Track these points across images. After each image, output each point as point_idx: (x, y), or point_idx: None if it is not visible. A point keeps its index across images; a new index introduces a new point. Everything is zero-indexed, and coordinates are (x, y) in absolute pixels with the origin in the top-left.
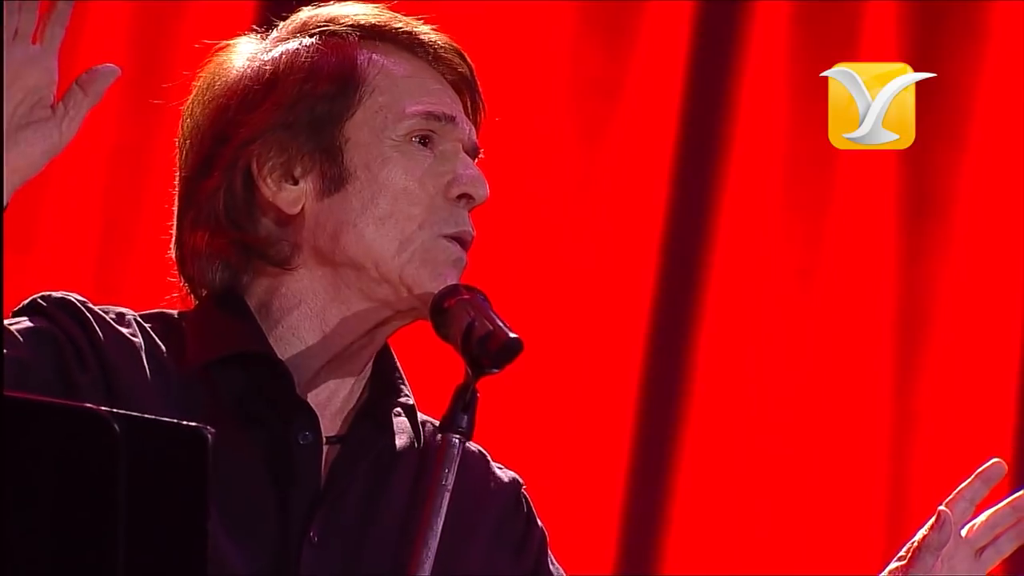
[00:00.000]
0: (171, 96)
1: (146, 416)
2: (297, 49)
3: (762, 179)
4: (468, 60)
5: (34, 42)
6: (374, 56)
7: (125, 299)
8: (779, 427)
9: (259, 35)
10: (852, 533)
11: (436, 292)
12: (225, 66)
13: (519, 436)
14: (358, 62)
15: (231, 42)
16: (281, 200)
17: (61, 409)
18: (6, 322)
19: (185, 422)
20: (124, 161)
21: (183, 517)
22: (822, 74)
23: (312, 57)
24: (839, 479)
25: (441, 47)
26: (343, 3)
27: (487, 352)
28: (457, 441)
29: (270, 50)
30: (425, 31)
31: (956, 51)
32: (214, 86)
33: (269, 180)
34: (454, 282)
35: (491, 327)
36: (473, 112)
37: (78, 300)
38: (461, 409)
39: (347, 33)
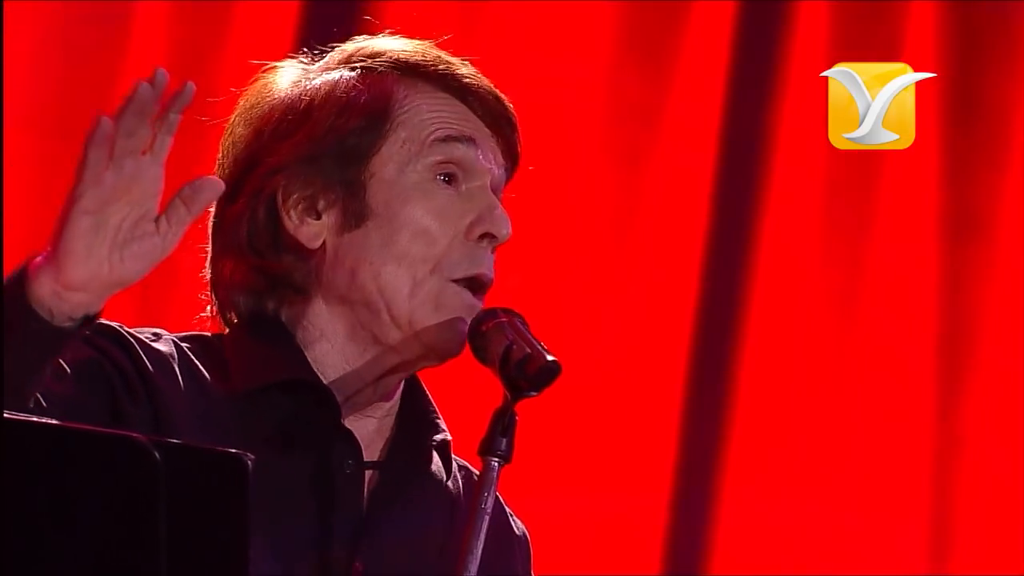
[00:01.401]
0: (218, 114)
1: (186, 443)
2: (336, 81)
3: (803, 203)
4: (507, 103)
5: (142, 153)
6: (408, 93)
7: (170, 323)
8: (822, 451)
9: (308, 58)
10: (895, 558)
11: (446, 342)
12: (269, 88)
13: (562, 458)
14: (390, 99)
15: (279, 64)
16: (302, 234)
17: (101, 436)
18: None
19: (225, 448)
20: (170, 180)
21: (224, 543)
22: (822, 74)
23: (348, 92)
24: (882, 504)
25: (480, 88)
26: (390, 37)
27: (525, 375)
28: (496, 464)
29: (312, 79)
30: (466, 72)
31: (997, 68)
32: (255, 108)
33: (292, 213)
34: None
35: (529, 350)
36: (509, 156)
37: (117, 326)
38: (500, 432)
39: (386, 69)
